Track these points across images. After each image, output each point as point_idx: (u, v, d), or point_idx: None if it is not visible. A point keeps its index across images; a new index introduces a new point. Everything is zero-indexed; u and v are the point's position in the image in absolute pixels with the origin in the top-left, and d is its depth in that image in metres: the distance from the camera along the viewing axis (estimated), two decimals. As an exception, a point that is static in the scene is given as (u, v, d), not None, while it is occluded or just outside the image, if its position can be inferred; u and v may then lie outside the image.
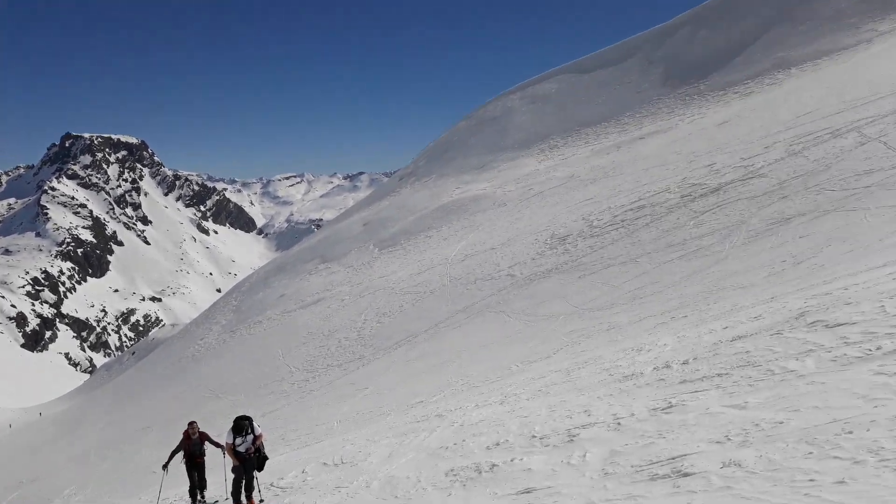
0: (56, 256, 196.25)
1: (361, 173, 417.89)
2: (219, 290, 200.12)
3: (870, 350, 6.05)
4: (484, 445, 7.49)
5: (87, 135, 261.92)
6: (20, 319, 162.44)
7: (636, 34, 48.54)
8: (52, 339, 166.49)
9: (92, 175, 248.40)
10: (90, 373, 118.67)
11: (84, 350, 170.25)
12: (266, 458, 9.56)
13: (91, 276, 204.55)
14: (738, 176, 21.61)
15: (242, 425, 9.31)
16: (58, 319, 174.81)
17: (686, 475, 4.76)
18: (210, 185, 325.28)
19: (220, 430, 11.00)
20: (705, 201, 21.16)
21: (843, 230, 14.71)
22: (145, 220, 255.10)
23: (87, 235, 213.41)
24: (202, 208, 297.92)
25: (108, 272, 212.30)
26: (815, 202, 17.22)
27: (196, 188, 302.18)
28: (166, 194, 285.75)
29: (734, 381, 6.56)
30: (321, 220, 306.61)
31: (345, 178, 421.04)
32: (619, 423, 6.49)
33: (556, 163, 37.31)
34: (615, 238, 22.07)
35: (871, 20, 32.43)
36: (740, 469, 4.55)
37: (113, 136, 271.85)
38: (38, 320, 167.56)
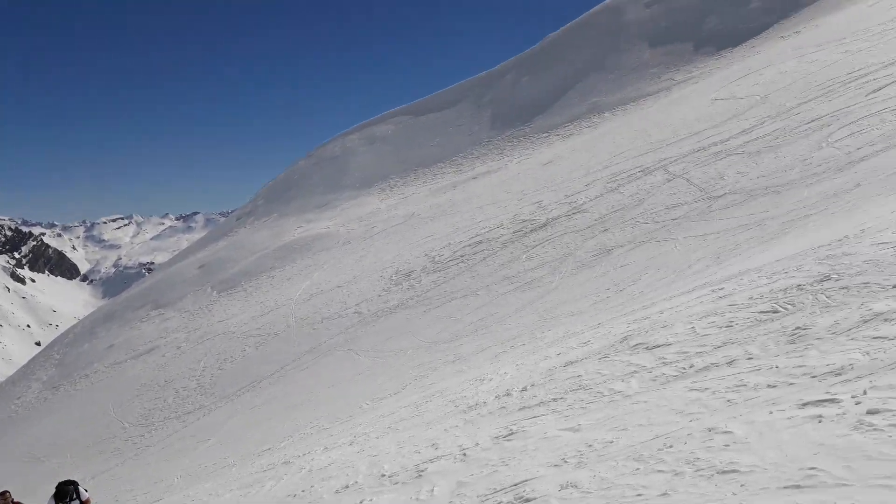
0: None
1: (196, 213, 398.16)
2: (38, 344, 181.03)
3: (684, 368, 6.69)
4: (333, 489, 7.41)
5: None
6: None
7: (464, 80, 50.92)
8: None
9: None
10: None
11: None
12: (96, 525, 8.83)
13: None
14: (563, 212, 23.17)
15: (66, 490, 8.57)
16: None
17: (528, 500, 5.01)
18: (25, 229, 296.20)
19: (41, 499, 10.03)
20: (535, 236, 22.44)
21: (657, 259, 16.17)
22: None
23: None
24: (17, 255, 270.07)
25: None
26: (632, 234, 18.83)
27: (9, 233, 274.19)
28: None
29: (568, 405, 7.00)
30: (153, 263, 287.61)
31: (178, 219, 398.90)
32: (464, 454, 6.69)
33: (397, 201, 37.92)
34: (456, 273, 22.76)
35: (669, 70, 36.36)
36: (577, 490, 4.86)
37: None
38: None
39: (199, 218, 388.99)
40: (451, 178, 37.81)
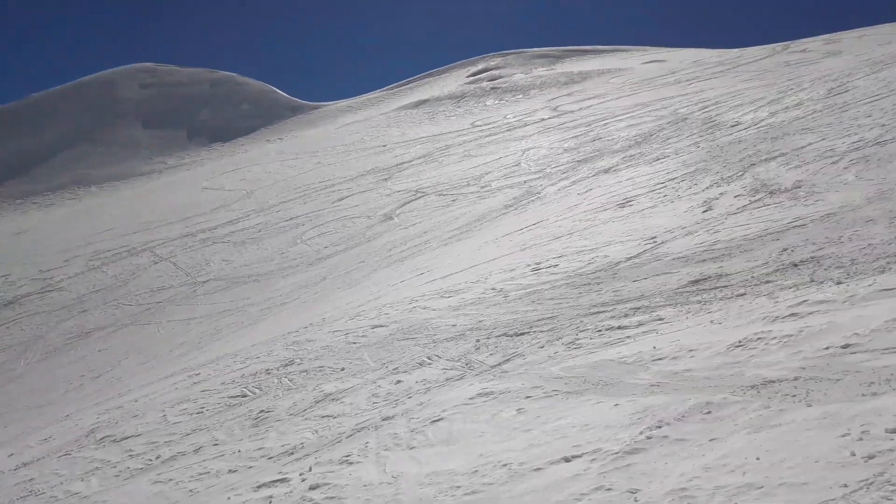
0: None
1: None
2: None
3: (151, 460, 6.53)
4: None
5: None
6: None
7: None
8: None
9: None
10: None
11: None
12: None
13: None
14: (35, 289, 20.98)
15: None
16: None
17: None
18: None
19: None
20: (-2, 315, 19.68)
21: (139, 343, 15.66)
22: None
23: None
24: None
25: None
26: (114, 316, 17.94)
27: None
28: None
29: (13, 516, 6.15)
30: None
31: None
32: None
33: None
34: None
35: (161, 154, 36.87)
36: None
37: None
38: None
39: None
40: None
